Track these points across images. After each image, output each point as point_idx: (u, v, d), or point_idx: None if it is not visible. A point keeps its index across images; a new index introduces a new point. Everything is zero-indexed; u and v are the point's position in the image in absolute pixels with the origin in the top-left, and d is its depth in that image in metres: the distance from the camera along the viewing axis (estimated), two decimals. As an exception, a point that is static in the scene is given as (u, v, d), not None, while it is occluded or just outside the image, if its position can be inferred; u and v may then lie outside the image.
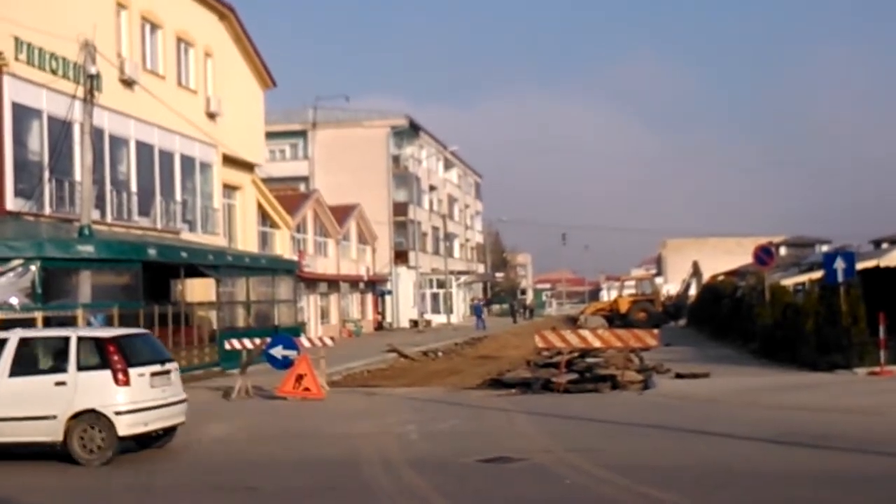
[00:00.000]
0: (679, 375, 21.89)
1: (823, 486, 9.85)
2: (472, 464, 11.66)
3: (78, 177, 25.21)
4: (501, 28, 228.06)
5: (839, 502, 9.04)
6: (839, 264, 21.99)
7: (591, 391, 20.19)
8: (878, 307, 21.78)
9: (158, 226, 30.45)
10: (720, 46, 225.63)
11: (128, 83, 28.69)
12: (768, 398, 17.55)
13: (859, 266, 23.57)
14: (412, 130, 70.85)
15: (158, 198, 30.82)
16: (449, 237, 79.04)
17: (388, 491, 9.98)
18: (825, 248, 57.86)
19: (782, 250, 67.79)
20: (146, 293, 24.60)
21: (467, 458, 11.99)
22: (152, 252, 24.84)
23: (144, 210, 30.04)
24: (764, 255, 29.08)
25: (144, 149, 30.30)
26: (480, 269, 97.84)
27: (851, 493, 9.49)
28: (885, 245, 46.56)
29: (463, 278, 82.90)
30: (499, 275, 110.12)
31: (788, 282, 31.89)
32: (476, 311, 66.97)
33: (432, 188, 78.55)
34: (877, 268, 26.41)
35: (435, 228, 76.94)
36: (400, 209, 67.97)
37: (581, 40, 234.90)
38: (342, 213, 56.92)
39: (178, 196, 32.24)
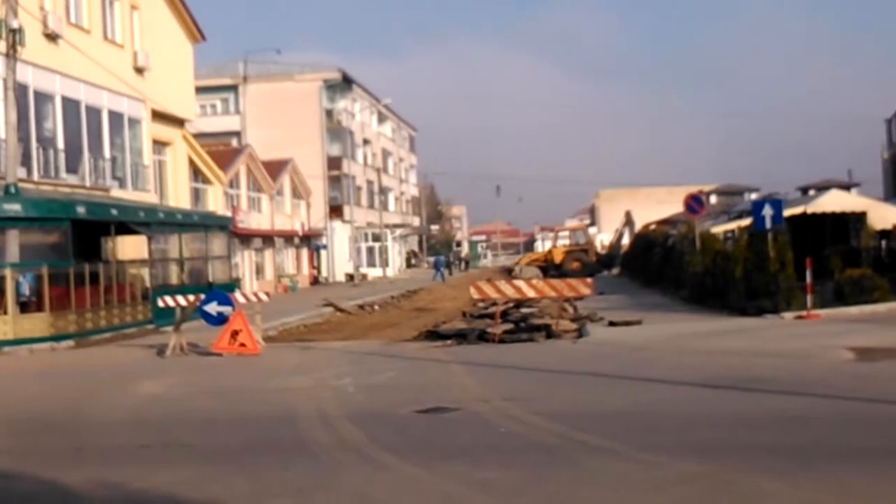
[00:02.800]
0: (612, 323, 22.19)
1: (753, 427, 10.09)
2: (410, 415, 11.73)
3: (2, 134, 24.67)
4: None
5: (768, 442, 9.26)
6: (767, 211, 22.38)
7: (526, 341, 20.38)
8: (805, 253, 22.29)
9: (87, 183, 29.95)
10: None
11: (52, 37, 28.04)
12: (699, 343, 17.87)
13: (787, 213, 24.04)
14: (345, 84, 70.25)
15: (87, 155, 30.29)
16: (384, 191, 78.85)
17: (326, 444, 10.01)
18: (754, 196, 58.76)
19: (712, 199, 68.77)
20: (76, 252, 24.27)
21: (404, 409, 12.06)
22: (81, 210, 24.46)
23: (72, 167, 29.51)
24: (694, 203, 29.47)
25: (71, 105, 29.70)
26: (416, 222, 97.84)
27: (780, 433, 9.73)
28: (811, 192, 47.41)
29: (398, 231, 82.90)
30: (434, 227, 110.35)
31: (718, 229, 32.35)
32: (437, 263, 67.16)
33: (366, 142, 78.12)
34: (804, 214, 26.94)
35: (369, 182, 76.67)
36: (334, 163, 67.56)
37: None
38: (275, 167, 56.43)
39: (107, 153, 31.70)
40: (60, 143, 29.01)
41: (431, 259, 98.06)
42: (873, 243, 27.19)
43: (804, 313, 21.33)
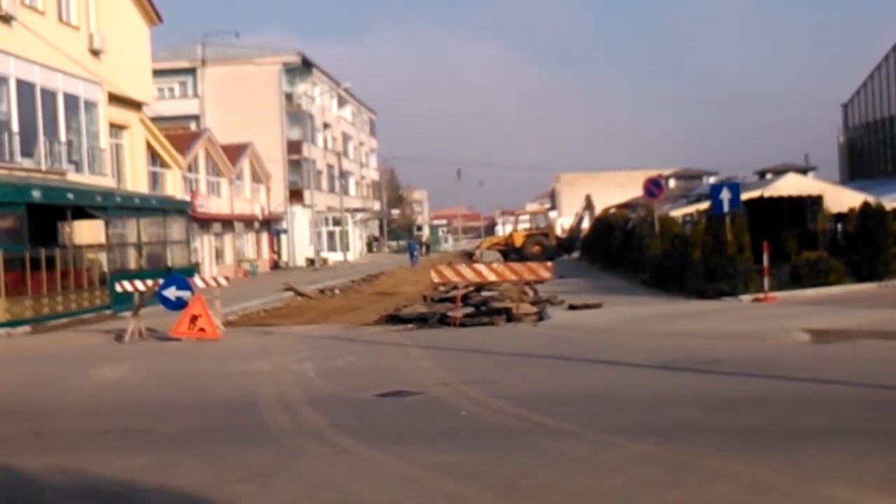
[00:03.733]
0: (572, 307, 22.30)
1: (711, 409, 10.19)
2: (370, 399, 11.73)
3: (-45, 117, 24.28)
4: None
5: (725, 423, 9.36)
6: (725, 195, 22.57)
7: (486, 324, 20.44)
8: (763, 236, 22.52)
9: (43, 167, 29.55)
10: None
11: (5, 19, 27.62)
12: (658, 326, 18.00)
13: (744, 196, 24.23)
14: (304, 67, 69.87)
15: (42, 138, 29.87)
16: (344, 175, 78.59)
17: (286, 428, 9.99)
18: (712, 180, 59.17)
19: (671, 182, 69.16)
20: (32, 236, 24.03)
21: (364, 393, 12.06)
22: (37, 194, 24.19)
23: (27, 151, 29.10)
24: (653, 187, 29.66)
25: (25, 87, 29.25)
26: (376, 206, 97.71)
27: (738, 414, 9.84)
28: (769, 176, 47.79)
29: (359, 216, 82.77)
30: (395, 212, 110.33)
31: (677, 213, 32.56)
32: (411, 248, 67.10)
33: (326, 126, 77.79)
34: (761, 198, 27.17)
35: (330, 166, 76.39)
36: (294, 147, 67.23)
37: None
38: (235, 151, 56.07)
39: (63, 136, 31.29)
40: (15, 127, 28.58)
41: (394, 244, 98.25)
42: (829, 226, 27.51)
43: (761, 296, 21.55)
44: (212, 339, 19.14)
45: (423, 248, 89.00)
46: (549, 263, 23.78)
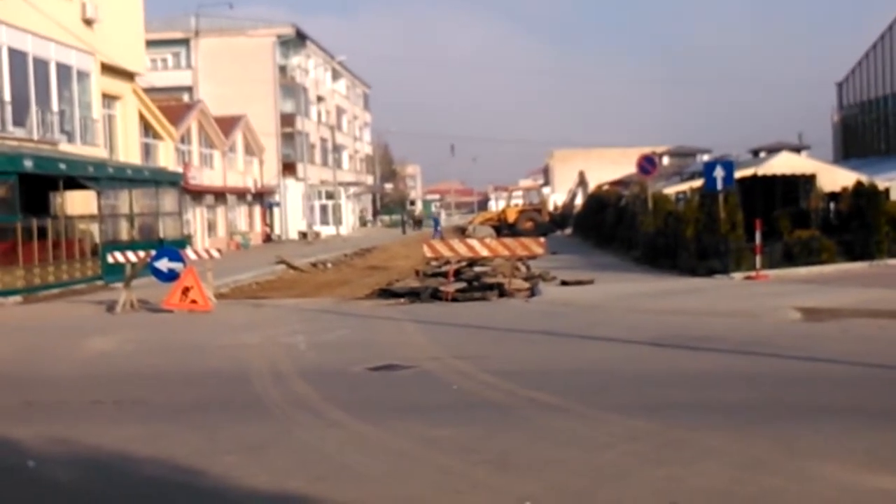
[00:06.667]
0: (564, 283, 22.32)
1: (702, 385, 10.23)
2: (362, 372, 11.75)
3: (-53, 85, 24.12)
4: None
5: (716, 400, 9.40)
6: (718, 173, 22.54)
7: (478, 299, 20.44)
8: (755, 214, 22.55)
9: (35, 137, 29.40)
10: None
11: (-3, -13, 27.38)
12: (650, 303, 18.04)
13: (738, 174, 24.22)
14: (299, 40, 69.50)
15: (34, 108, 29.70)
16: (337, 148, 78.38)
17: (278, 401, 10.00)
18: (706, 158, 59.11)
19: (665, 160, 68.97)
20: (23, 206, 23.96)
21: (357, 366, 12.07)
22: (28, 164, 24.08)
23: (19, 120, 28.93)
24: (647, 164, 29.61)
25: (17, 56, 29.05)
26: (369, 180, 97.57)
27: (728, 391, 9.87)
28: (762, 154, 47.75)
29: (352, 190, 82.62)
30: (388, 186, 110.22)
31: (670, 190, 32.53)
32: (435, 222, 67.02)
33: (320, 99, 77.49)
34: (754, 176, 27.17)
35: (323, 140, 76.18)
36: (287, 120, 66.96)
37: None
38: (228, 124, 55.83)
39: (55, 106, 31.11)
40: (7, 96, 28.41)
41: (386, 218, 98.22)
42: (822, 205, 27.53)
43: (753, 274, 21.59)
44: (204, 311, 19.13)
45: (416, 223, 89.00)
46: (542, 239, 23.81)
